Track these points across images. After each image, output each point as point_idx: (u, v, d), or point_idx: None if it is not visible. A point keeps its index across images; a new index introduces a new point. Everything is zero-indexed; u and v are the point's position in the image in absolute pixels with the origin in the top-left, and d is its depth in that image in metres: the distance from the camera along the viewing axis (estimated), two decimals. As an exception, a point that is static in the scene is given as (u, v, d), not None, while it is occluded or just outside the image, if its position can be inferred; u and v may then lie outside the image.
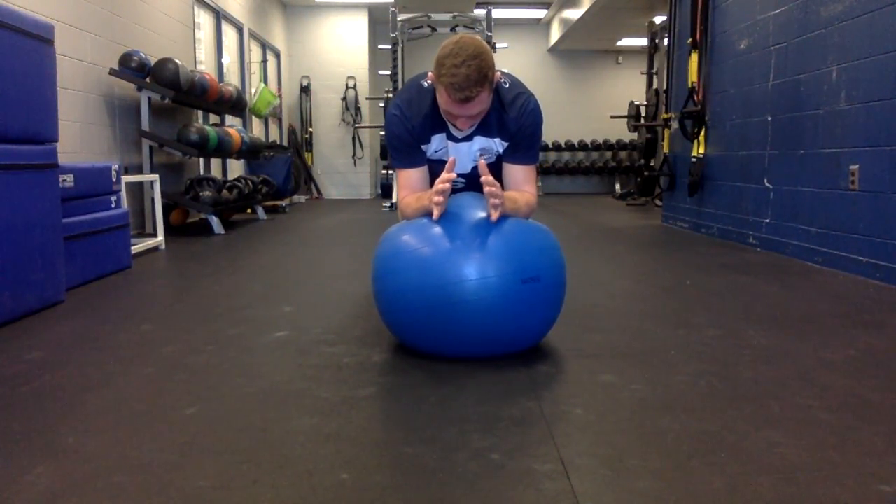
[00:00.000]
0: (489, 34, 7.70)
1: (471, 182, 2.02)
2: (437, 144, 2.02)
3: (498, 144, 2.00)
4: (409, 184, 2.02)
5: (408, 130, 1.96)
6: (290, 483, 1.15)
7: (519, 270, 1.74)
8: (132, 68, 4.60)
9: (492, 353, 1.83)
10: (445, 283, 1.71)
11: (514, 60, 10.63)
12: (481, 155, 1.99)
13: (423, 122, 1.95)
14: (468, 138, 1.99)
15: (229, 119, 6.88)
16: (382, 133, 8.46)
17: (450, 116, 1.88)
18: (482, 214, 1.82)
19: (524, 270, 1.74)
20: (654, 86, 8.29)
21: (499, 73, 1.89)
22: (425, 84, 1.95)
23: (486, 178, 1.75)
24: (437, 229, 1.80)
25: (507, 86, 1.95)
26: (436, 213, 1.80)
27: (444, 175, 1.78)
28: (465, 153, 2.01)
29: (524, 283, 1.74)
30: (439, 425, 1.40)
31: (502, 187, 1.90)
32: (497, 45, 7.92)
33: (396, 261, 1.83)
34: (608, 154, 11.70)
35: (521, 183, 2.01)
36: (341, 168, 10.07)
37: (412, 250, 1.80)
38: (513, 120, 1.94)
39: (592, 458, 1.24)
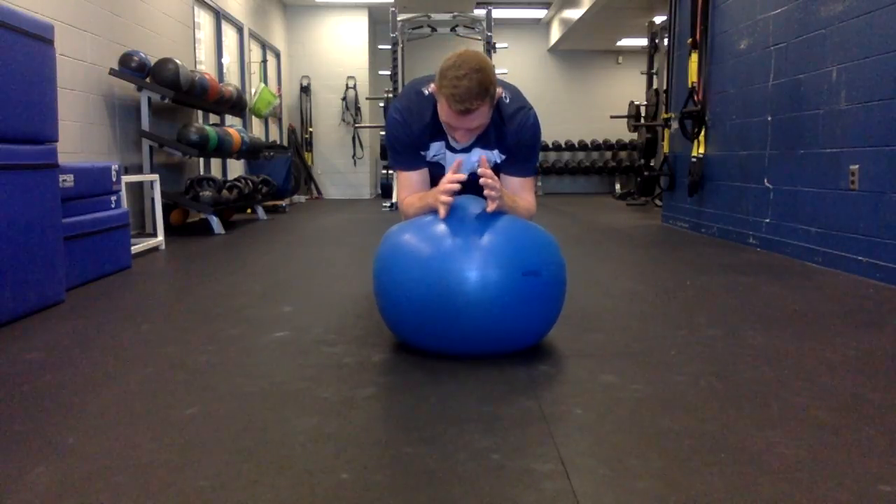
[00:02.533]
0: (489, 34, 7.69)
1: (469, 189, 2.02)
2: (435, 150, 2.03)
3: (496, 156, 2.03)
4: (409, 185, 2.05)
5: (408, 136, 1.98)
6: (290, 483, 1.15)
7: (519, 268, 1.75)
8: (132, 68, 4.60)
9: (492, 351, 1.83)
10: (446, 281, 1.72)
11: (514, 60, 10.64)
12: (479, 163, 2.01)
13: (423, 129, 1.97)
14: (466, 149, 2.00)
15: (229, 119, 6.88)
16: (382, 133, 8.47)
17: (449, 128, 1.89)
18: (483, 213, 1.83)
19: (525, 268, 1.75)
20: (654, 86, 8.29)
21: (501, 90, 1.91)
22: (426, 92, 1.95)
23: (484, 170, 1.77)
24: (439, 228, 1.81)
25: (508, 100, 1.96)
26: (442, 211, 1.81)
27: (451, 175, 1.80)
28: (465, 161, 2.01)
29: (525, 275, 1.75)
30: (439, 425, 1.40)
31: None
32: (497, 45, 7.92)
33: (397, 258, 1.84)
34: (608, 154, 11.70)
35: (519, 192, 2.03)
36: (341, 168, 10.07)
37: (413, 248, 1.81)
38: (512, 133, 1.96)
39: (592, 458, 1.24)
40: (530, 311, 1.81)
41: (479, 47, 8.52)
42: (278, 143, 8.86)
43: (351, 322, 2.30)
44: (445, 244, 1.77)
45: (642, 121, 8.69)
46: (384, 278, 1.86)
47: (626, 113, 9.48)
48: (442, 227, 1.81)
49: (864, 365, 1.82)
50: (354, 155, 10.00)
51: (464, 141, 1.92)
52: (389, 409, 1.52)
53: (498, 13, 9.07)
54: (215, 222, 5.08)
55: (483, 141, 1.98)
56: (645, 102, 8.76)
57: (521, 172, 2.03)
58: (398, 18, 7.64)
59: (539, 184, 11.53)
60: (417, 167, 2.04)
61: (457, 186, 1.79)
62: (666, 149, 6.13)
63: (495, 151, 2.01)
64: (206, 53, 6.88)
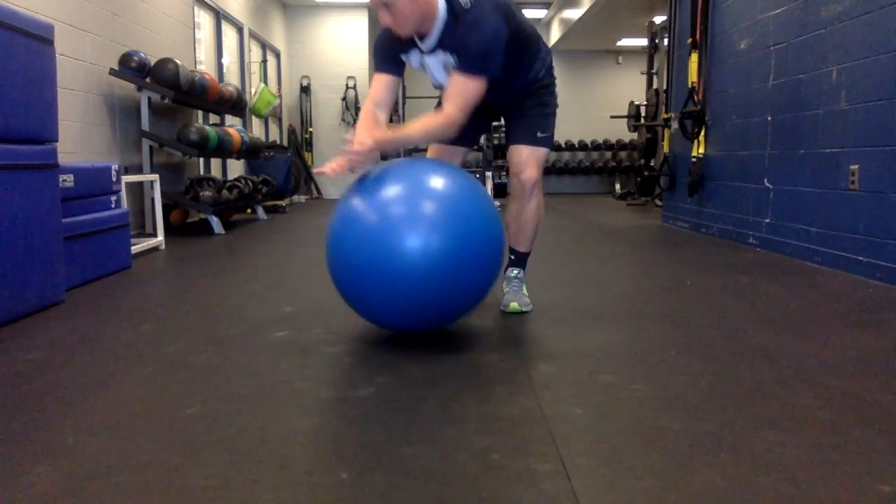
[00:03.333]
0: (489, 34, 7.67)
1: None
2: (415, 59, 2.17)
3: (453, 60, 2.10)
4: (375, 87, 2.18)
5: (391, 39, 2.12)
6: (290, 483, 1.15)
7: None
8: (132, 68, 4.60)
9: (432, 315, 1.90)
10: (375, 245, 1.81)
11: (514, 60, 10.62)
12: (445, 68, 2.11)
13: (403, 41, 2.12)
14: (433, 52, 2.11)
15: (229, 119, 6.88)
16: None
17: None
18: (421, 179, 1.92)
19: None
20: (654, 86, 8.29)
21: None
22: None
23: (350, 141, 1.95)
24: (376, 194, 1.89)
25: (469, 7, 2.01)
26: (328, 168, 1.96)
27: (351, 150, 1.94)
28: (434, 65, 2.15)
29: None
30: (439, 425, 1.40)
31: None
32: (497, 45, 7.89)
33: (337, 230, 1.95)
34: (608, 154, 11.70)
35: (449, 92, 2.06)
36: (341, 168, 10.06)
37: (345, 219, 1.94)
38: (459, 37, 2.02)
39: (592, 458, 1.24)
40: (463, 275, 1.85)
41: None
42: (278, 143, 8.86)
43: (351, 322, 2.30)
44: (378, 211, 1.86)
45: (642, 121, 8.69)
46: (330, 245, 1.97)
47: (626, 113, 9.48)
48: (377, 197, 1.88)
49: (864, 365, 1.82)
50: (354, 155, 9.99)
51: (387, 23, 2.02)
52: (389, 409, 1.52)
53: (498, 13, 9.05)
54: (215, 222, 5.08)
55: (441, 45, 2.07)
56: (645, 102, 8.76)
57: (460, 65, 2.04)
58: (398, 18, 7.63)
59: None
60: (390, 72, 2.17)
61: (354, 161, 1.94)
62: (666, 149, 6.14)
63: (451, 56, 2.07)
64: (206, 53, 6.88)
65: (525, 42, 2.22)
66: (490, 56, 2.03)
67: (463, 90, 2.03)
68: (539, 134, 2.35)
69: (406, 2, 1.96)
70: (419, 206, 1.84)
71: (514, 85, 2.29)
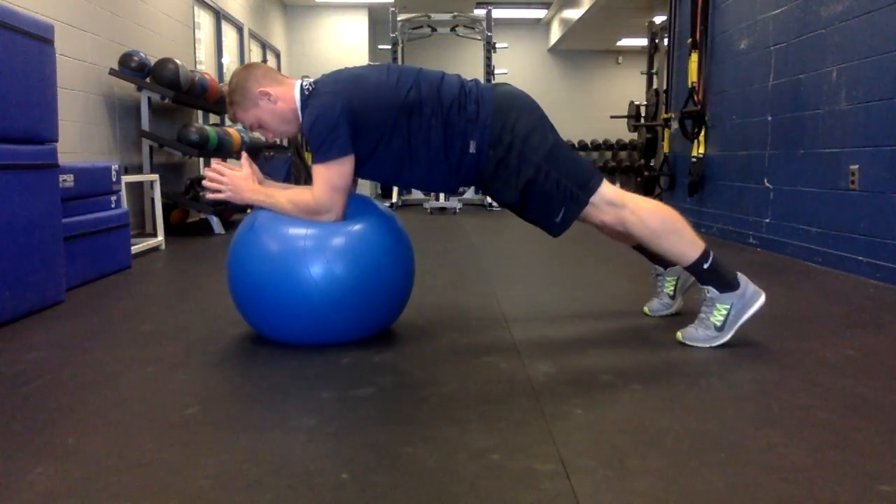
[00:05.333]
0: (489, 34, 7.70)
1: None
2: None
3: None
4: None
5: None
6: (290, 483, 1.15)
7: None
8: (132, 68, 4.60)
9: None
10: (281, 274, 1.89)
11: (514, 60, 10.63)
12: None
13: None
14: None
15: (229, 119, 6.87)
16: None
17: None
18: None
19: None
20: (654, 86, 8.29)
21: (307, 85, 2.00)
22: None
23: (212, 168, 2.02)
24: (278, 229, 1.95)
25: (308, 94, 1.99)
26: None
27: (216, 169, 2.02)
28: None
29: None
30: (439, 425, 1.40)
31: None
32: (497, 45, 7.92)
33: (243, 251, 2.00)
34: (608, 154, 11.71)
35: (313, 180, 1.98)
36: (341, 168, 10.05)
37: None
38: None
39: (592, 458, 1.24)
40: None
41: (478, 47, 8.51)
42: (278, 143, 8.85)
43: (351, 322, 2.30)
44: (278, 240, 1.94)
45: (642, 121, 8.69)
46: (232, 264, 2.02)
47: (626, 113, 9.48)
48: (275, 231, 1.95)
49: (864, 365, 1.82)
50: (354, 155, 9.98)
51: (281, 137, 2.12)
52: (389, 409, 1.52)
53: (498, 13, 9.07)
54: (215, 222, 5.08)
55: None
56: (645, 102, 8.76)
57: (312, 157, 2.01)
58: (398, 18, 7.64)
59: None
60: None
61: (212, 177, 2.00)
62: (666, 149, 6.13)
63: None
64: (206, 53, 6.89)
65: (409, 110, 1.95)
66: (325, 137, 1.90)
67: (321, 177, 1.93)
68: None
69: (268, 116, 2.02)
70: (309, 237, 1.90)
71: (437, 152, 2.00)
